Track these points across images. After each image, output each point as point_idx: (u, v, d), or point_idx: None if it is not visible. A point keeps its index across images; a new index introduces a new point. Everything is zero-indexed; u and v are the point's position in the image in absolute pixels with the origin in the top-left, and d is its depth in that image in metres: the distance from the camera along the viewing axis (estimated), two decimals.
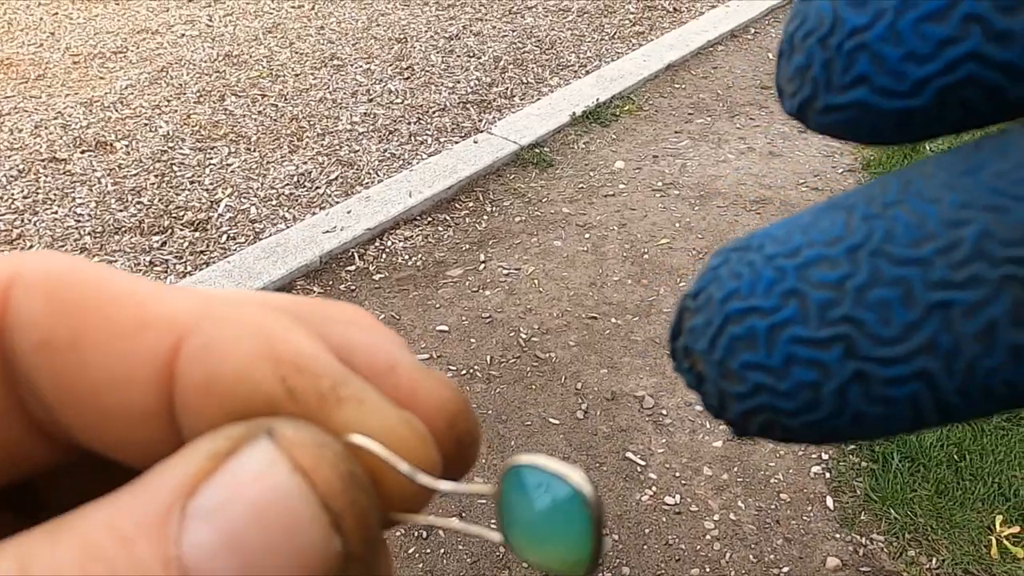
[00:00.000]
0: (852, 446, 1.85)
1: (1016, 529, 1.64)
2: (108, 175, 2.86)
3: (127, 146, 3.05)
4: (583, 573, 0.15)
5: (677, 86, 3.55)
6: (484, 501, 1.76)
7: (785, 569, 1.63)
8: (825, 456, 1.84)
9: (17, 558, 0.12)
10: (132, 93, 3.46)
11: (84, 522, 0.13)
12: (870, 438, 0.13)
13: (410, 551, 1.67)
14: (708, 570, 1.63)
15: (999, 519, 1.66)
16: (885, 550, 1.65)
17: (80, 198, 2.72)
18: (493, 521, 0.17)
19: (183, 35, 4.06)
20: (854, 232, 0.13)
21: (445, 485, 0.15)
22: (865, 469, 1.80)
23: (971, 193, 0.12)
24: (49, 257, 0.15)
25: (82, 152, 3.00)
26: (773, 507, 1.75)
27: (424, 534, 1.70)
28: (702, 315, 0.14)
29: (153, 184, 2.81)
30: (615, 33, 4.00)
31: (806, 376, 0.13)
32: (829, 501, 1.75)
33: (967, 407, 0.12)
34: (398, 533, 1.70)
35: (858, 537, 1.68)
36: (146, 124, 3.21)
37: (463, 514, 1.73)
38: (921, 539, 1.66)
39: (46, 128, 3.15)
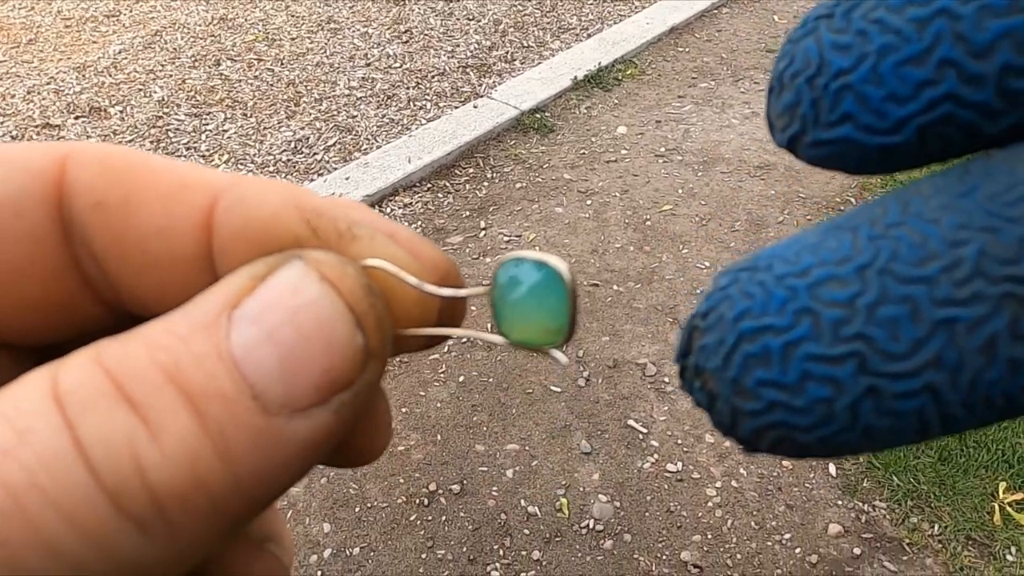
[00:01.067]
0: None
1: (1020, 496, 1.64)
2: (103, 141, 2.81)
3: (121, 112, 3.00)
4: (562, 339, 0.18)
5: (680, 49, 3.48)
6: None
7: (787, 536, 1.63)
8: None
9: (91, 353, 0.14)
10: (126, 58, 3.39)
11: (146, 329, 0.15)
12: (877, 450, 0.14)
13: (411, 518, 1.67)
14: (710, 537, 1.63)
15: (1002, 486, 1.66)
16: (887, 517, 1.65)
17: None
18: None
19: None
20: (861, 252, 0.14)
21: (446, 291, 0.18)
22: None
23: (967, 214, 0.13)
24: (97, 143, 0.18)
25: (76, 118, 2.95)
26: (775, 474, 1.74)
27: (426, 501, 1.70)
28: (714, 334, 0.15)
29: (148, 150, 2.76)
30: None
31: (820, 392, 0.13)
32: (831, 468, 1.74)
33: (969, 418, 0.13)
34: (399, 500, 1.70)
35: (860, 504, 1.68)
36: (140, 89, 3.15)
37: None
38: (924, 506, 1.66)
39: (39, 93, 3.10)
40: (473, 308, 2.08)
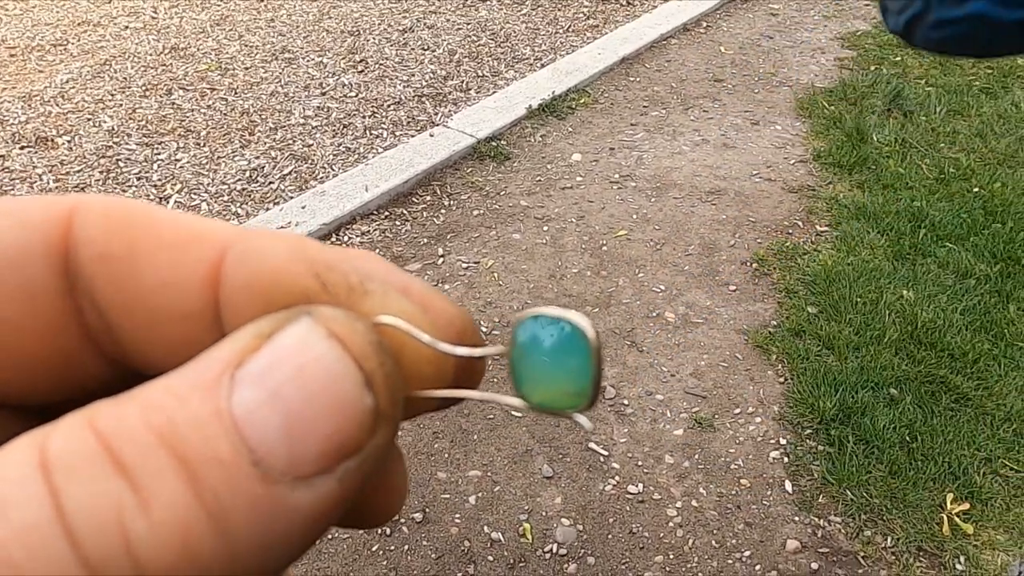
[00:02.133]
0: (808, 430, 1.89)
1: (966, 506, 1.69)
2: (50, 171, 2.75)
3: (69, 142, 2.94)
4: (587, 403, 0.17)
5: (632, 79, 3.57)
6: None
7: (747, 553, 1.65)
8: (783, 441, 1.87)
9: (84, 415, 0.14)
10: (73, 87, 3.34)
11: (144, 389, 0.14)
12: None
13: (373, 548, 1.65)
14: (672, 557, 1.65)
15: (950, 497, 1.71)
16: (842, 531, 1.69)
17: (19, 195, 2.61)
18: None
19: (127, 27, 3.93)
20: None
21: (461, 351, 0.17)
22: (822, 453, 1.84)
23: None
24: (103, 195, 0.18)
25: (21, 148, 2.88)
26: (734, 493, 1.77)
27: (388, 531, 1.68)
28: None
29: (98, 180, 2.72)
30: (569, 26, 4.01)
31: None
32: (788, 485, 1.78)
33: None
34: (360, 533, 1.68)
35: (816, 519, 1.71)
36: (89, 119, 3.10)
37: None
38: (876, 519, 1.70)
39: None
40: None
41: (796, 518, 1.72)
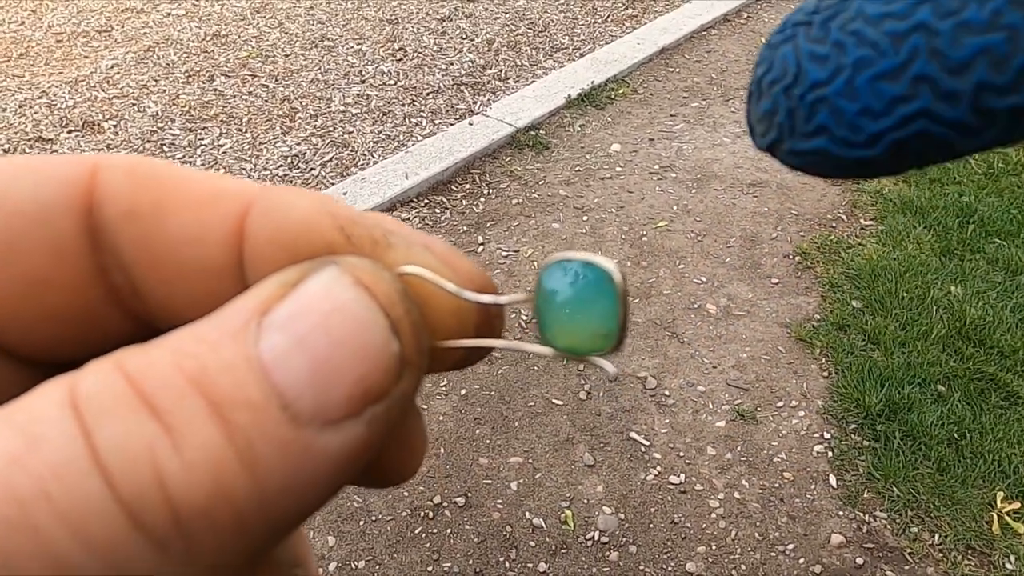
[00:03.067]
0: (853, 425, 1.87)
1: (1017, 505, 1.66)
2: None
3: (115, 126, 2.99)
4: (613, 345, 0.17)
5: (671, 69, 3.54)
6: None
7: (790, 546, 1.64)
8: (827, 436, 1.85)
9: (113, 359, 0.14)
10: (118, 73, 3.39)
11: (172, 336, 0.14)
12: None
13: (416, 531, 1.67)
14: (714, 548, 1.64)
15: (1000, 496, 1.68)
16: (888, 527, 1.67)
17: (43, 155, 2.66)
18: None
19: (169, 14, 3.98)
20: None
21: (486, 298, 0.17)
22: (867, 448, 1.82)
23: None
24: (126, 154, 0.17)
25: (69, 132, 2.93)
26: (777, 486, 1.76)
27: (431, 514, 1.69)
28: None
29: None
30: (608, 16, 3.98)
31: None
32: (832, 479, 1.76)
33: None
34: (404, 513, 1.69)
35: (861, 515, 1.69)
36: (134, 104, 3.15)
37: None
38: (924, 516, 1.68)
39: (31, 107, 3.08)
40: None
41: (840, 513, 1.70)
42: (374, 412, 0.15)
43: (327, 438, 0.14)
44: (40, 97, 3.16)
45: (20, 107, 3.08)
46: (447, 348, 0.17)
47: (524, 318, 2.17)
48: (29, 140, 2.86)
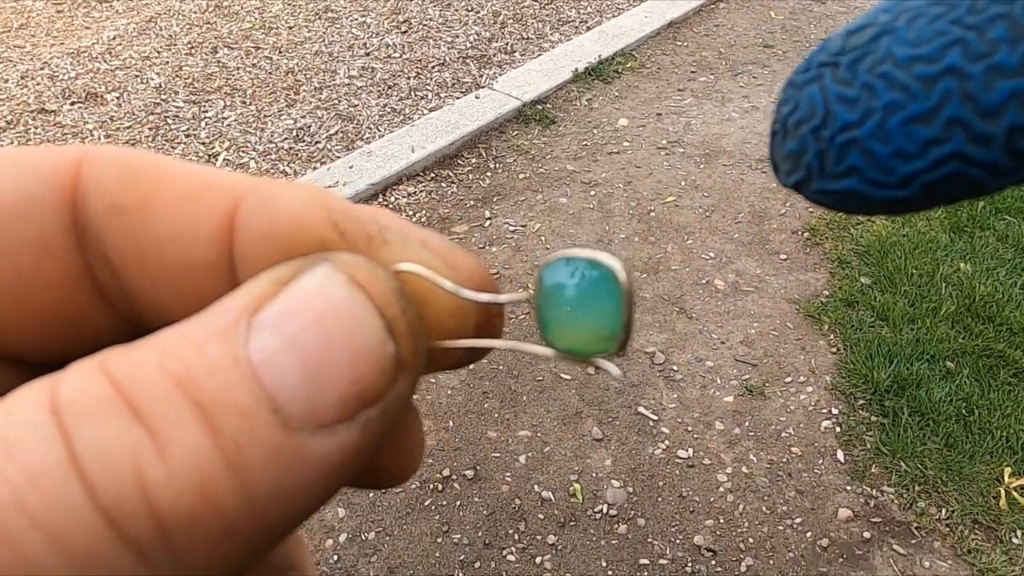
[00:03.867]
0: (861, 401, 1.87)
1: None
2: (100, 127, 2.78)
3: (118, 98, 2.96)
4: (617, 347, 0.16)
5: (679, 43, 3.50)
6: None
7: (798, 520, 1.65)
8: (835, 411, 1.86)
9: (96, 360, 0.13)
10: (120, 44, 3.35)
11: (158, 336, 0.14)
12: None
13: (426, 503, 1.68)
14: (722, 521, 1.65)
15: (1007, 471, 1.69)
16: (895, 502, 1.68)
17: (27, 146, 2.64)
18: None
19: None
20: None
21: (485, 297, 0.16)
22: (875, 423, 1.82)
23: None
24: (111, 146, 0.17)
25: (72, 104, 2.91)
26: (784, 460, 1.76)
27: (440, 487, 1.70)
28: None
29: (147, 137, 2.74)
30: None
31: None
32: (840, 454, 1.77)
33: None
34: (414, 485, 1.70)
35: (868, 489, 1.70)
36: (136, 76, 3.11)
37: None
38: (931, 491, 1.68)
39: (32, 79, 3.05)
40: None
41: (848, 487, 1.71)
42: (368, 416, 0.14)
43: (319, 442, 0.13)
44: (42, 68, 3.13)
45: (22, 78, 3.05)
46: (445, 348, 0.17)
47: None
48: (32, 112, 2.84)
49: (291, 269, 0.15)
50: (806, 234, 2.39)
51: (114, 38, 3.39)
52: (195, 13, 3.63)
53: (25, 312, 0.16)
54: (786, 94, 0.16)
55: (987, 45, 0.13)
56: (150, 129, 2.77)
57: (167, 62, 3.22)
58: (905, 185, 0.14)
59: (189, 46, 3.35)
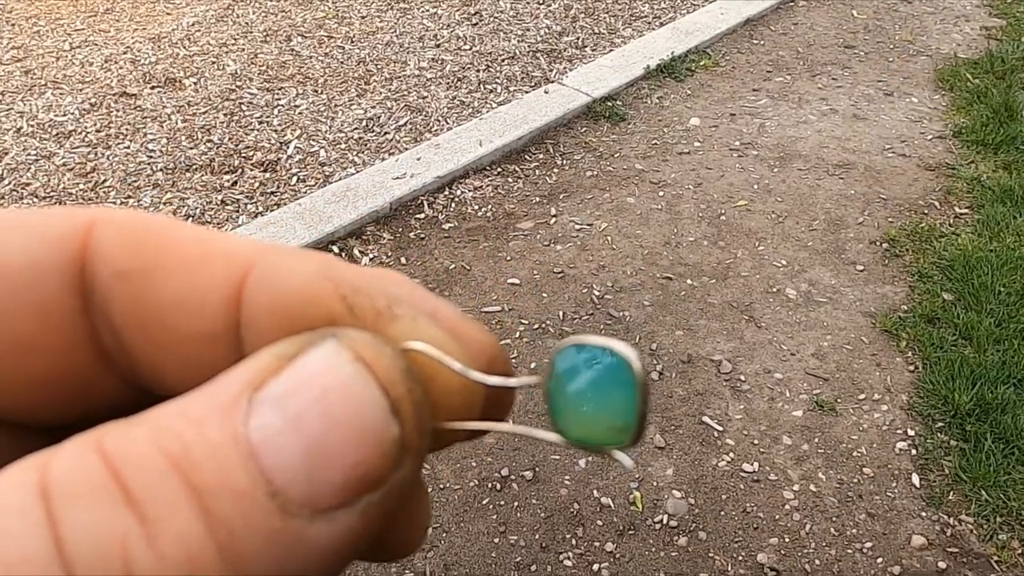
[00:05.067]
0: (940, 423, 1.78)
1: None
2: (178, 112, 2.84)
3: (195, 83, 3.03)
4: (630, 440, 0.16)
5: (755, 42, 3.40)
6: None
7: (868, 545, 1.58)
8: (911, 432, 1.78)
9: (92, 437, 0.13)
10: (199, 30, 3.43)
11: (157, 411, 0.13)
12: None
13: (484, 502, 1.67)
14: (787, 540, 1.60)
15: None
16: (974, 532, 1.60)
17: (151, 134, 2.72)
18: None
19: None
20: None
21: (494, 380, 0.16)
22: (955, 448, 1.73)
23: None
24: (123, 209, 0.17)
25: (152, 88, 2.99)
26: (855, 481, 1.70)
27: (498, 486, 1.69)
28: None
29: (222, 123, 2.79)
30: None
31: None
32: (915, 478, 1.69)
33: None
34: (472, 483, 1.69)
35: (945, 517, 1.62)
36: (214, 62, 3.18)
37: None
38: (1014, 523, 1.60)
39: (116, 62, 3.15)
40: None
41: (923, 513, 1.63)
42: (370, 501, 0.14)
43: (317, 529, 0.13)
44: (125, 52, 3.22)
45: (106, 62, 3.14)
46: (451, 429, 0.16)
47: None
48: (114, 95, 2.93)
49: (296, 344, 0.14)
50: (885, 245, 2.29)
51: (193, 24, 3.47)
52: (271, 1, 3.69)
53: (27, 376, 0.16)
54: None
55: None
56: (225, 115, 2.83)
57: (243, 49, 3.28)
58: None
59: (264, 34, 3.40)
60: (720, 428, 1.81)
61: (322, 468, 0.13)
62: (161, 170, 2.55)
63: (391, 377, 0.14)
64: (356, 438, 0.13)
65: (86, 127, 2.73)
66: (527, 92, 2.98)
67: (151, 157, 2.61)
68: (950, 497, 1.66)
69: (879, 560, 1.56)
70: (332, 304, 0.15)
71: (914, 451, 1.74)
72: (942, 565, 1.55)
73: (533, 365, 1.95)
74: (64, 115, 2.79)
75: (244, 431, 0.13)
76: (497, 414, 0.18)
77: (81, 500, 0.12)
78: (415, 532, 0.18)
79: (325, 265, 0.16)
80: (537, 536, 1.61)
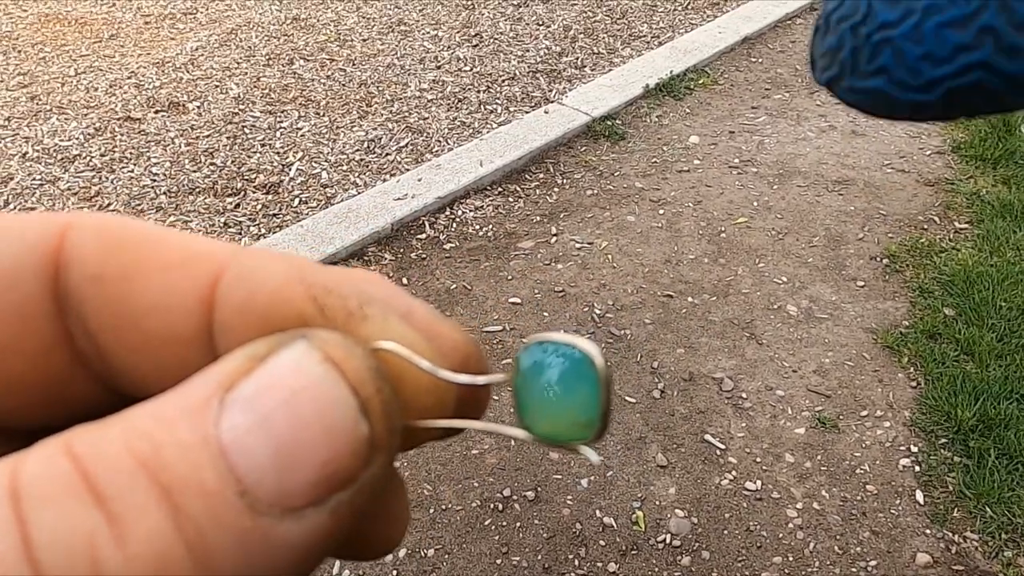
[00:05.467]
0: (943, 439, 1.78)
1: None
2: (181, 135, 2.87)
3: (199, 107, 3.06)
4: (594, 435, 0.16)
5: (753, 60, 3.43)
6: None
7: (872, 563, 1.57)
8: (915, 449, 1.77)
9: (62, 439, 0.13)
10: (203, 54, 3.47)
11: (128, 413, 0.13)
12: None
13: (486, 523, 1.66)
14: (791, 559, 1.59)
15: None
16: (979, 549, 1.58)
17: (155, 157, 2.74)
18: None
19: None
20: None
21: (461, 378, 0.16)
22: (958, 464, 1.73)
23: None
24: (98, 213, 0.17)
25: (155, 112, 3.02)
26: (859, 498, 1.69)
27: (500, 507, 1.69)
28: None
29: (225, 146, 2.82)
30: (688, 3, 3.88)
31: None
32: (919, 495, 1.68)
33: None
34: (474, 504, 1.69)
35: (950, 534, 1.61)
36: (217, 86, 3.22)
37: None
38: (1020, 540, 1.59)
39: (120, 87, 3.18)
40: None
41: (928, 531, 1.62)
42: (339, 499, 0.14)
43: (287, 527, 0.13)
44: (129, 77, 3.26)
45: (111, 87, 3.18)
46: (421, 427, 0.16)
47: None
48: (119, 119, 2.96)
49: (267, 345, 0.14)
50: (885, 260, 2.30)
51: (197, 48, 3.51)
52: (274, 25, 3.73)
53: (3, 380, 0.16)
54: None
55: None
56: (228, 138, 2.86)
57: (246, 73, 3.32)
58: (929, 89, 0.15)
59: (267, 58, 3.44)
60: (722, 446, 1.80)
61: (292, 467, 0.13)
62: (165, 193, 2.58)
63: (360, 377, 0.14)
64: (325, 437, 0.14)
65: (90, 151, 2.76)
66: (527, 112, 3.00)
67: (155, 180, 2.63)
68: (954, 514, 1.65)
69: None
70: (303, 305, 0.15)
71: (917, 468, 1.74)
72: None
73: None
74: (69, 140, 2.82)
75: (215, 432, 0.13)
76: (473, 413, 0.18)
77: (50, 501, 0.12)
78: (394, 529, 0.18)
79: (297, 266, 0.16)
80: (540, 557, 1.60)
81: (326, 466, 0.13)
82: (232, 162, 2.73)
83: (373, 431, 0.14)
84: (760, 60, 3.42)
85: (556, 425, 0.17)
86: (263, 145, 2.83)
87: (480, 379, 0.17)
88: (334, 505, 0.14)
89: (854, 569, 1.57)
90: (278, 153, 2.79)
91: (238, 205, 2.53)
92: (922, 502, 1.67)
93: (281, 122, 2.97)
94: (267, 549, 0.13)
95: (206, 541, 0.12)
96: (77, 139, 2.82)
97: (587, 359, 0.16)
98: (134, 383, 0.17)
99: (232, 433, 0.13)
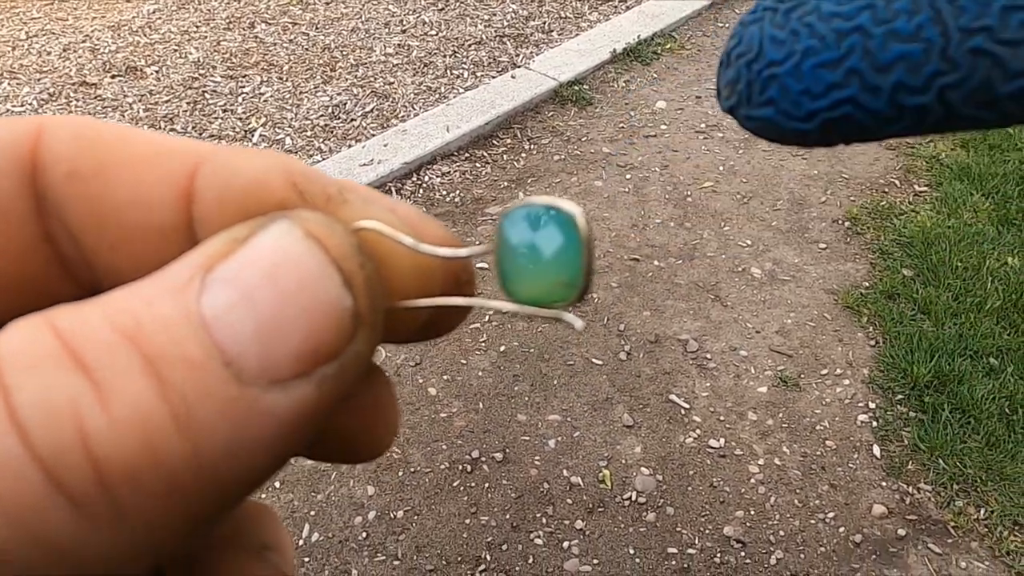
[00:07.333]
0: (900, 396, 1.83)
1: None
2: (139, 101, 2.80)
3: (157, 72, 2.98)
4: (577, 295, 0.16)
5: (720, 24, 3.43)
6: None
7: (831, 515, 1.62)
8: (872, 405, 1.82)
9: (43, 315, 0.13)
10: (160, 18, 3.37)
11: (109, 294, 0.13)
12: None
13: (455, 484, 1.68)
14: (752, 513, 1.63)
15: None
16: (932, 499, 1.64)
17: None
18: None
19: None
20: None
21: (444, 251, 0.16)
22: (914, 419, 1.78)
23: None
24: (72, 115, 0.17)
25: (112, 77, 2.94)
26: (818, 453, 1.73)
27: (469, 468, 1.70)
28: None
29: (185, 111, 2.75)
30: None
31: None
32: (876, 449, 1.73)
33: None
34: (443, 466, 1.70)
35: (904, 486, 1.67)
36: (175, 50, 3.13)
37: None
38: (970, 490, 1.65)
39: (75, 51, 3.09)
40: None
41: (883, 483, 1.68)
42: (325, 373, 0.14)
43: (273, 398, 0.13)
44: (84, 41, 3.16)
45: (64, 51, 3.08)
46: (407, 309, 0.16)
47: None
48: (73, 84, 2.87)
49: (248, 227, 0.14)
50: (847, 223, 2.34)
51: (153, 12, 3.41)
52: None
53: None
54: (735, 31, 0.18)
55: (891, 13, 0.16)
56: (188, 104, 2.79)
57: (205, 36, 3.23)
58: (809, 119, 0.17)
59: (227, 21, 3.36)
60: (687, 406, 1.84)
61: (275, 340, 0.13)
62: None
63: (343, 251, 0.14)
64: (308, 310, 0.14)
65: None
66: (494, 77, 2.97)
67: None
68: (909, 467, 1.70)
69: (841, 529, 1.60)
70: (283, 192, 0.15)
71: (874, 423, 1.78)
72: (902, 532, 1.59)
73: (503, 348, 1.96)
74: (22, 106, 2.74)
75: (196, 307, 0.13)
76: (458, 294, 0.18)
77: (32, 368, 0.12)
78: (383, 430, 0.18)
79: (278, 158, 0.16)
80: (508, 516, 1.63)
81: (310, 338, 0.13)
82: (193, 128, 2.67)
83: (356, 304, 0.14)
84: (727, 25, 3.42)
85: (538, 288, 0.16)
86: (224, 111, 2.77)
87: (462, 251, 0.17)
88: (319, 379, 0.14)
89: (813, 521, 1.62)
90: (240, 119, 2.74)
91: None
92: (879, 456, 1.72)
93: (243, 87, 2.91)
94: (253, 419, 0.13)
95: (191, 409, 0.12)
96: (30, 104, 2.74)
97: (569, 219, 0.16)
98: (115, 280, 0.16)
99: (214, 309, 0.13)
